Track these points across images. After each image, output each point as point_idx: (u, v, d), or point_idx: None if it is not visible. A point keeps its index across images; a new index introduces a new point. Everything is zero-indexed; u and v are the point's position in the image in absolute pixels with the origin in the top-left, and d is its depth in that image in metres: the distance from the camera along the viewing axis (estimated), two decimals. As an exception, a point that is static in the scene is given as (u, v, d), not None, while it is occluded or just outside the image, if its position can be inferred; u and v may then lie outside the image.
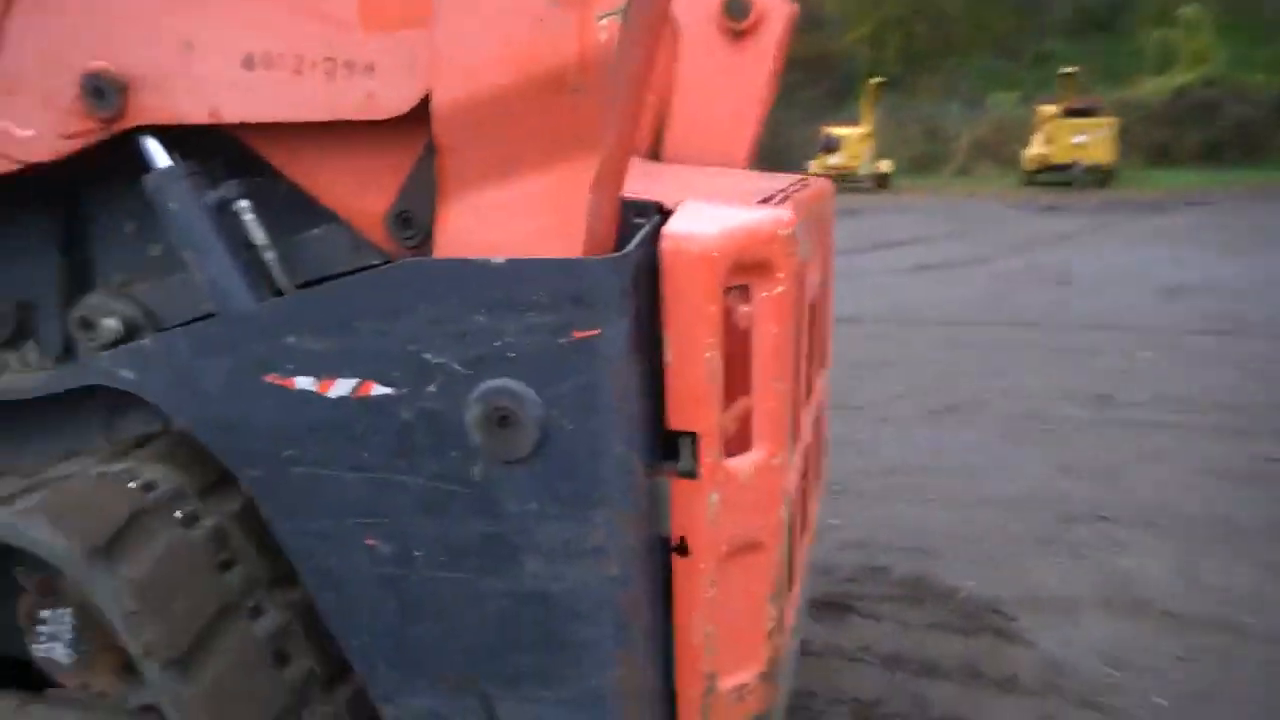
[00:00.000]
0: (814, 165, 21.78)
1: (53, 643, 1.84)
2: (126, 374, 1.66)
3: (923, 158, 28.28)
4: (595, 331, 1.36)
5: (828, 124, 24.93)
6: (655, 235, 1.46)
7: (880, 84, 25.48)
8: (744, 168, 2.73)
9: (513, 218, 1.40)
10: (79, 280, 1.87)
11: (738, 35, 2.66)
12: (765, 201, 1.80)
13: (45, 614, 1.83)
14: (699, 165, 2.68)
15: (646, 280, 1.44)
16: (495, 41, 1.32)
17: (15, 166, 1.64)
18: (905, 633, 3.53)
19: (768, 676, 1.71)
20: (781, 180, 2.37)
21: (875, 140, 25.01)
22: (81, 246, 1.87)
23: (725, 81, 2.70)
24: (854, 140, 24.18)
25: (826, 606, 3.64)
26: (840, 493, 4.57)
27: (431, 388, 1.44)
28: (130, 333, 1.76)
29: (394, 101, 1.43)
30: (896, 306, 9.90)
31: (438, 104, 1.38)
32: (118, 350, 1.70)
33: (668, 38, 2.68)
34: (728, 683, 1.65)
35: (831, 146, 23.77)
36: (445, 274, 1.42)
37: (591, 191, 1.37)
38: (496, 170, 1.39)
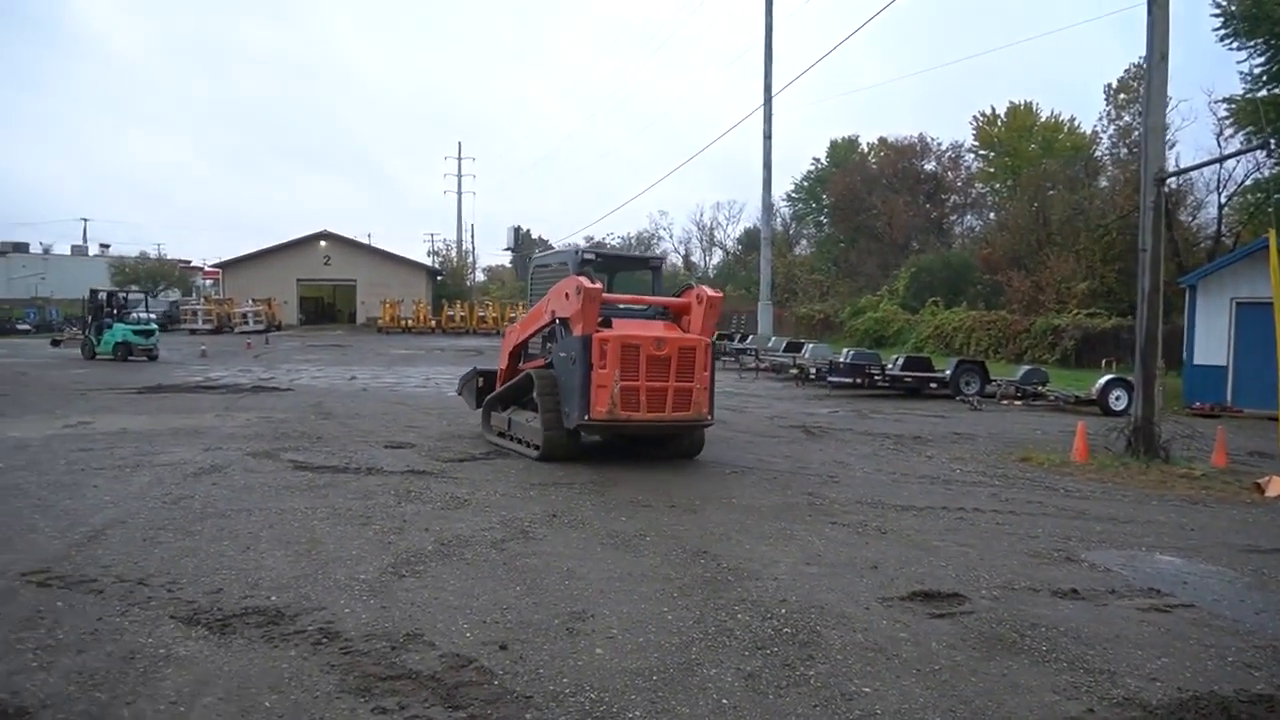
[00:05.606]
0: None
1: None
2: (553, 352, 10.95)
3: None
4: (581, 343, 10.15)
5: None
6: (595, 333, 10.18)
7: None
8: (705, 336, 10.70)
9: (578, 330, 10.33)
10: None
11: (700, 303, 10.84)
12: (636, 339, 10.19)
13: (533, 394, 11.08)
14: (686, 332, 10.80)
15: (590, 340, 10.08)
16: (570, 308, 10.37)
17: (542, 328, 11.13)
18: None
19: (608, 414, 10.18)
20: (675, 333, 10.54)
21: None
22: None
23: (699, 316, 10.86)
24: None
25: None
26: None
27: (571, 344, 10.40)
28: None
29: (568, 312, 10.45)
30: None
31: (571, 316, 10.34)
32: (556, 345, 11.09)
33: (694, 305, 10.90)
34: (597, 406, 10.15)
35: None
36: (576, 338, 10.37)
37: (582, 329, 10.23)
38: (575, 324, 10.29)
